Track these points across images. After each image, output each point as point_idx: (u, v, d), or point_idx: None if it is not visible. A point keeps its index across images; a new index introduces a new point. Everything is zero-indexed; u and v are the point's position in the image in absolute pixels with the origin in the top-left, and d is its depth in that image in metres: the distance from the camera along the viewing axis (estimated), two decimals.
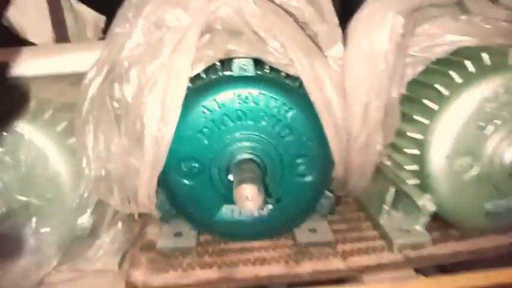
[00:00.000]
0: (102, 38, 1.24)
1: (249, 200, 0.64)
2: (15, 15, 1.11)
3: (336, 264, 0.85)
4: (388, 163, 0.88)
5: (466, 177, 0.76)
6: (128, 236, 0.90)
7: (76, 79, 0.86)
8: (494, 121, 0.73)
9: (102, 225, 0.82)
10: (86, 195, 0.76)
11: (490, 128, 0.73)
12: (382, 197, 0.92)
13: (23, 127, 0.72)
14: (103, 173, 0.72)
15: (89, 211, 0.78)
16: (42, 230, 0.75)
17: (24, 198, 0.73)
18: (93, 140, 0.71)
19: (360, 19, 0.70)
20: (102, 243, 0.84)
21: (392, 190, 0.89)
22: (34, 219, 0.74)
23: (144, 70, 0.66)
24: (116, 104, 0.70)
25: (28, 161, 0.72)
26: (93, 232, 0.81)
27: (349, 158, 0.84)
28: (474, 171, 0.76)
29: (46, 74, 0.81)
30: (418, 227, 0.88)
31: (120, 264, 0.87)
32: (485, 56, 0.74)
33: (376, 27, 0.67)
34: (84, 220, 0.77)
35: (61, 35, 1.12)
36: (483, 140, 0.74)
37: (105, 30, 1.24)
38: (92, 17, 1.14)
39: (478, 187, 0.77)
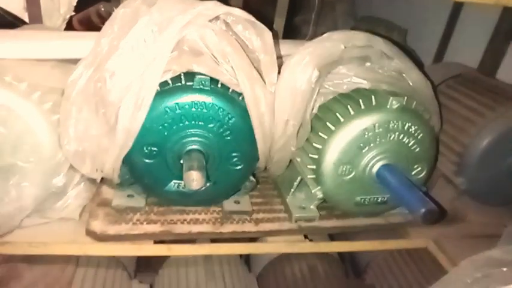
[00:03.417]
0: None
1: (194, 181, 0.89)
2: None
3: (249, 227, 1.14)
4: (298, 159, 1.15)
5: (345, 178, 1.04)
6: (88, 193, 1.10)
7: (57, 62, 1.02)
8: (370, 144, 1.01)
9: (70, 185, 1.02)
10: (62, 162, 0.95)
11: (366, 148, 1.01)
12: (291, 182, 1.19)
13: (16, 104, 0.88)
14: (79, 149, 0.92)
15: (62, 174, 0.96)
16: (23, 184, 0.92)
17: (12, 160, 0.90)
18: (74, 123, 0.89)
19: (290, 63, 0.95)
20: (68, 198, 1.04)
21: (298, 178, 1.18)
22: (17, 176, 0.92)
23: (125, 78, 0.85)
24: (97, 98, 0.89)
25: (18, 131, 0.88)
26: (63, 189, 1.01)
27: (271, 154, 1.12)
28: (351, 175, 1.04)
29: (32, 58, 0.95)
30: (312, 206, 1.17)
31: (80, 215, 1.08)
32: (373, 98, 1.02)
33: (300, 72, 0.93)
34: (58, 180, 0.96)
35: (33, 5, 1.20)
36: (361, 156, 1.02)
37: (77, 8, 1.35)
38: None
39: (352, 185, 1.06)
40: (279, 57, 1.09)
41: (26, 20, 1.32)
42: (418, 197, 0.90)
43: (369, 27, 2.06)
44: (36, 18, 1.30)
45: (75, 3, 1.31)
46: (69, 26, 1.43)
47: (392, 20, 2.09)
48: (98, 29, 1.07)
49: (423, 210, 0.86)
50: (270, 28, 1.61)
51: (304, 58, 0.93)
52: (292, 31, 2.63)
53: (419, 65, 1.79)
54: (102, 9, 1.58)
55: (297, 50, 1.00)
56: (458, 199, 1.31)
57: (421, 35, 2.02)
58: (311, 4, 2.55)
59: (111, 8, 1.53)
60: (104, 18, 1.60)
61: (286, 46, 1.34)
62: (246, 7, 1.74)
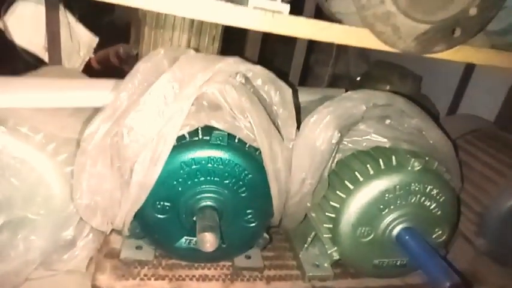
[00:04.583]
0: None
1: (207, 243, 0.86)
2: (11, 19, 1.19)
3: (260, 287, 1.09)
4: (313, 215, 1.11)
5: (363, 240, 1.00)
6: (96, 244, 1.07)
7: (73, 110, 1.01)
8: (390, 206, 0.97)
9: (79, 238, 0.98)
10: (72, 214, 0.93)
11: (386, 210, 0.97)
12: (305, 236, 1.15)
13: (30, 156, 0.87)
14: (91, 203, 0.89)
15: (72, 227, 0.94)
16: (31, 237, 0.90)
17: (22, 212, 0.87)
18: (88, 177, 0.87)
19: (310, 122, 0.93)
20: (76, 250, 1.01)
21: (313, 234, 1.14)
22: (26, 229, 0.89)
23: (143, 134, 0.84)
24: (113, 152, 0.87)
25: (31, 183, 0.87)
26: (72, 242, 0.98)
27: (285, 209, 1.09)
28: (370, 237, 1.00)
29: (48, 107, 0.94)
30: (326, 264, 1.11)
31: (87, 267, 1.04)
32: (393, 158, 0.98)
33: (320, 131, 0.90)
34: (68, 234, 0.93)
35: (53, 47, 1.21)
36: (380, 218, 0.98)
37: (96, 50, 1.36)
38: (86, 37, 1.24)
39: (370, 248, 1.01)
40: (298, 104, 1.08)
41: (46, 59, 1.34)
42: (442, 268, 0.85)
43: (382, 73, 2.06)
44: (55, 58, 1.31)
45: (95, 46, 1.32)
46: (88, 65, 1.44)
47: (407, 66, 2.09)
48: (115, 69, 1.05)
49: (448, 284, 0.81)
50: (287, 71, 1.60)
51: (325, 118, 0.91)
52: (305, 71, 2.65)
53: (434, 113, 1.77)
54: (121, 50, 1.60)
55: (312, 97, 0.98)
56: (477, 260, 1.25)
57: (436, 83, 2.01)
58: (324, 45, 2.57)
59: (130, 50, 1.55)
60: (122, 59, 1.63)
61: (302, 93, 1.33)
62: (263, 49, 1.77)
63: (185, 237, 0.99)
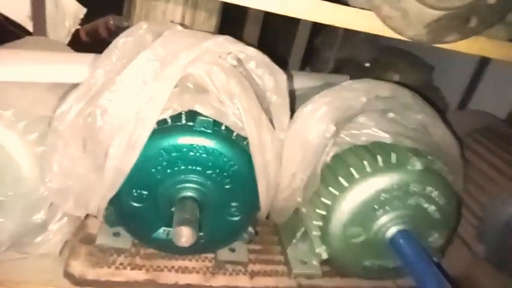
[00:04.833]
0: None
1: (183, 238, 0.79)
2: None
3: (243, 281, 1.03)
4: (304, 210, 1.05)
5: (355, 241, 0.94)
6: (71, 228, 1.01)
7: (51, 85, 0.94)
8: (385, 207, 0.90)
9: (52, 221, 0.93)
10: (43, 197, 0.87)
11: (381, 211, 0.91)
12: (294, 231, 1.08)
13: None
14: (63, 187, 0.83)
15: (43, 210, 0.88)
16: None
17: None
18: (59, 159, 0.80)
19: (303, 112, 0.85)
20: (49, 233, 0.95)
21: (302, 229, 1.08)
22: None
23: (118, 116, 0.77)
24: (86, 134, 0.80)
25: None
26: (43, 225, 0.92)
27: (274, 203, 1.02)
28: (362, 238, 0.93)
29: (21, 81, 0.87)
30: (314, 262, 1.06)
31: (61, 251, 0.99)
32: (393, 155, 0.90)
33: (314, 124, 0.83)
34: (38, 217, 0.88)
35: (38, 16, 1.13)
36: (374, 218, 0.91)
37: (83, 22, 1.28)
38: (73, 7, 1.16)
39: (362, 249, 0.95)
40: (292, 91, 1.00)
41: (30, 29, 1.25)
42: (436, 278, 0.79)
43: (392, 60, 1.96)
44: (40, 28, 1.23)
45: (81, 17, 1.24)
46: (76, 37, 1.36)
47: (419, 54, 1.98)
48: (105, 41, 0.97)
49: None
50: (288, 54, 1.51)
51: (320, 108, 0.83)
52: (311, 53, 2.54)
53: (443, 106, 1.67)
54: (111, 22, 1.50)
55: (312, 83, 0.90)
56: (475, 264, 1.18)
57: (449, 74, 1.90)
58: (331, 26, 2.45)
59: (120, 22, 1.46)
60: (112, 32, 1.54)
61: (302, 79, 1.25)
62: (265, 27, 1.67)
63: (163, 228, 0.93)
